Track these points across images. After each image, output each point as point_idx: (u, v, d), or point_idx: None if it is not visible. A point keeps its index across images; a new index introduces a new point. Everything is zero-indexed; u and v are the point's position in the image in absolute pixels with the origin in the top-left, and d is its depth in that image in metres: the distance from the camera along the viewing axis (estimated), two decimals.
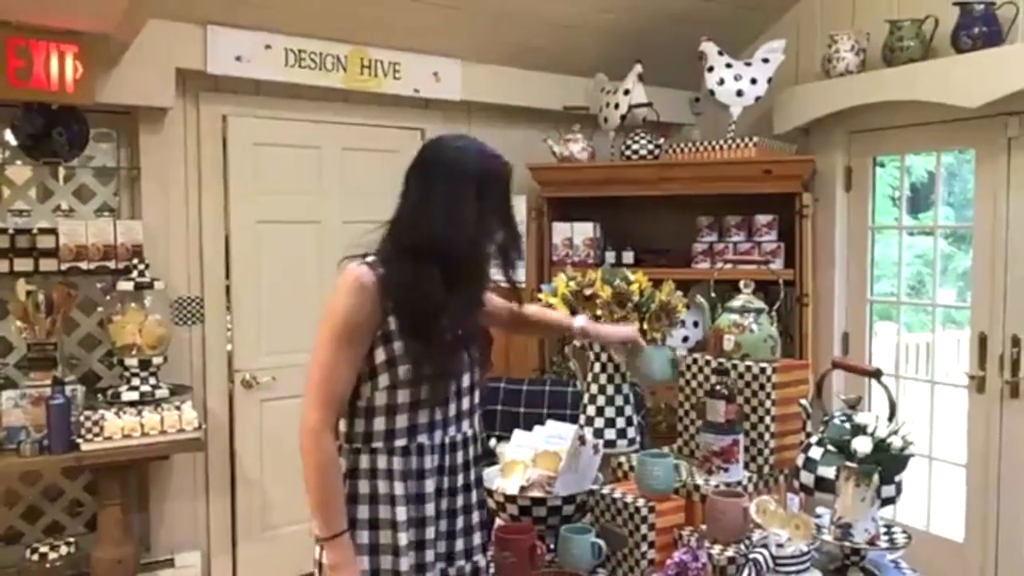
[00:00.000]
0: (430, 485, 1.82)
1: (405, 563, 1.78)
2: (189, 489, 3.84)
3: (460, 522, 1.90)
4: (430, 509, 1.82)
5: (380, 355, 1.77)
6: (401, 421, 1.80)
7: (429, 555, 1.82)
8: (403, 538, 1.77)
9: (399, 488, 1.79)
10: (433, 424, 1.83)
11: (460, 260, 1.78)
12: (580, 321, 2.28)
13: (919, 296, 5.44)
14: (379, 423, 1.80)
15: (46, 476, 3.54)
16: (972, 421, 3.86)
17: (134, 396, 3.36)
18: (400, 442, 1.80)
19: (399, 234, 1.80)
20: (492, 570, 2.04)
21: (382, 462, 1.79)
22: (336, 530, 1.74)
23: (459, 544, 1.90)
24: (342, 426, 1.84)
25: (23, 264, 3.31)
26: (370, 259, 1.79)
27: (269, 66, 3.79)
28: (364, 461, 1.80)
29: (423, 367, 1.77)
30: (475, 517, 1.94)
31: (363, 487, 1.80)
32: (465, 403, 1.91)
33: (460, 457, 1.90)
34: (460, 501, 1.89)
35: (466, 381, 1.89)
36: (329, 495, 1.75)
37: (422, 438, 1.82)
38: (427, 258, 1.75)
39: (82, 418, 3.15)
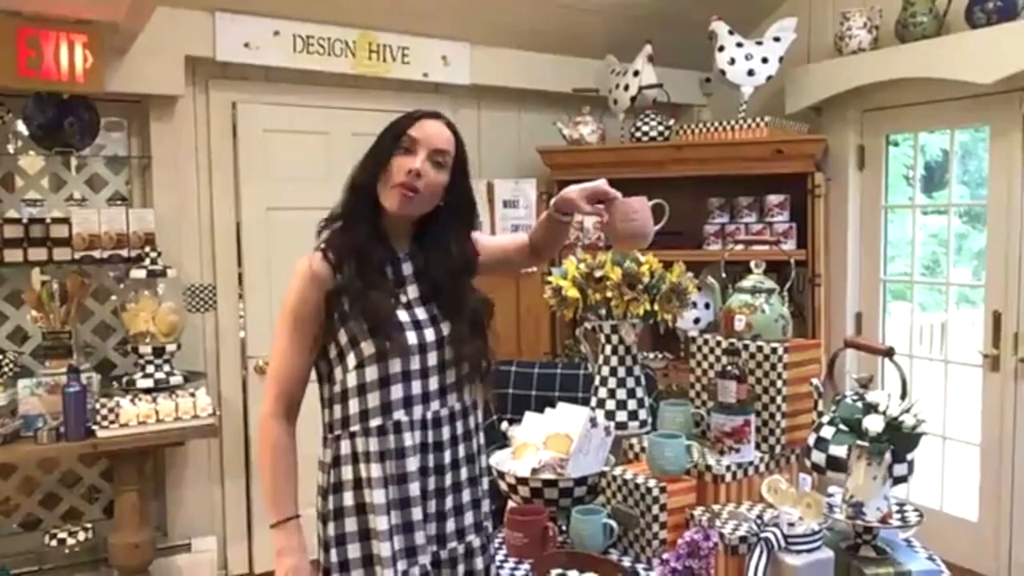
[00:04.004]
0: (412, 464, 1.77)
1: (387, 548, 1.73)
2: (204, 475, 3.88)
3: (449, 502, 1.84)
4: (414, 489, 1.77)
5: (343, 336, 1.76)
6: (373, 400, 1.76)
7: (418, 537, 1.77)
8: (382, 522, 1.74)
9: (376, 470, 1.75)
10: (410, 399, 1.78)
11: (350, 210, 1.87)
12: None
13: (933, 275, 5.40)
14: (353, 405, 1.77)
15: (63, 463, 3.58)
16: (986, 400, 3.84)
17: (149, 383, 3.40)
18: (375, 422, 1.76)
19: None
20: (496, 549, 2.03)
21: (360, 445, 1.77)
22: (284, 516, 1.76)
23: (449, 525, 1.85)
24: (325, 416, 1.83)
25: (37, 254, 3.34)
26: (321, 246, 1.85)
27: (278, 52, 3.79)
28: (345, 447, 1.78)
29: (377, 334, 1.74)
30: (465, 496, 1.88)
31: (347, 473, 1.77)
32: (450, 376, 1.84)
33: (446, 432, 1.84)
34: (448, 480, 1.84)
35: (448, 353, 1.83)
36: (277, 481, 1.77)
37: (398, 415, 1.77)
38: (343, 227, 1.86)
39: (98, 405, 3.18)
